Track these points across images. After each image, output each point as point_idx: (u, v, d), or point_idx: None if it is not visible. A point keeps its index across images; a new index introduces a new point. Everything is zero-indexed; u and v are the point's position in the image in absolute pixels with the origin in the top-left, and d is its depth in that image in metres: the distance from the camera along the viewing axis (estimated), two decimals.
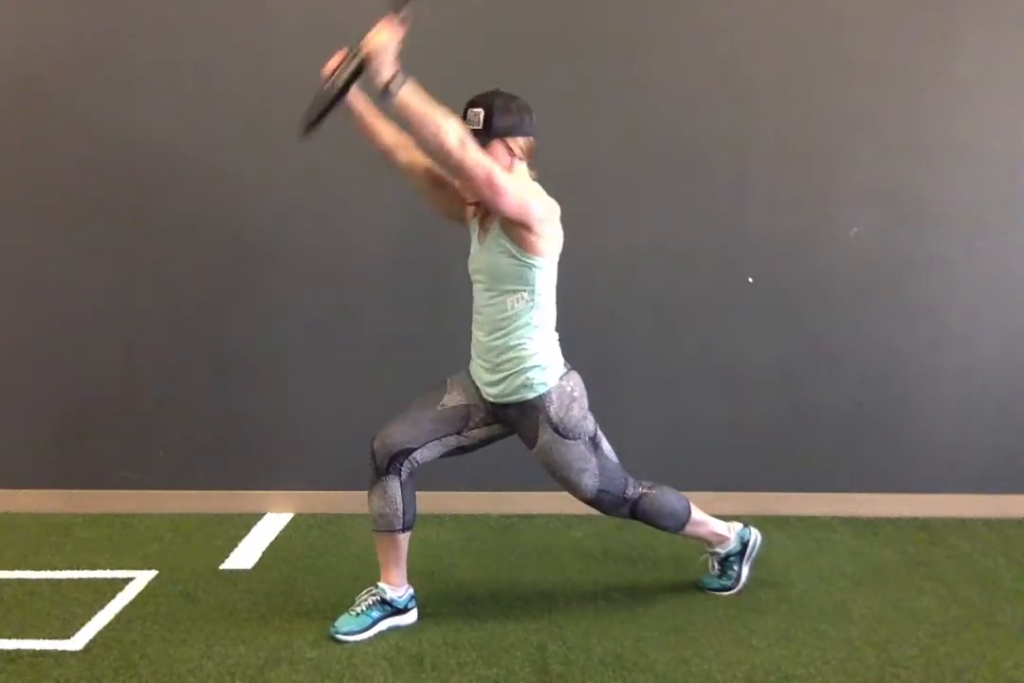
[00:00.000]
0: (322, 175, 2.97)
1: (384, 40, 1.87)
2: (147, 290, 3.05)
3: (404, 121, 1.94)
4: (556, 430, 2.19)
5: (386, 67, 1.87)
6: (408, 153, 2.23)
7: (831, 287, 3.01)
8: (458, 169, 1.96)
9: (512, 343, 2.16)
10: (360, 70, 1.86)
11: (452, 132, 1.90)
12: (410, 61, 2.90)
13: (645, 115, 2.93)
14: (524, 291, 2.13)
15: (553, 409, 2.18)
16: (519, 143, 2.11)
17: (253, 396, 3.11)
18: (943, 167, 2.94)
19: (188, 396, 3.11)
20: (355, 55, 1.89)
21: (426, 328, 3.00)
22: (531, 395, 2.18)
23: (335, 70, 2.01)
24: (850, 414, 3.07)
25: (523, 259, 2.09)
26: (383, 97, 1.89)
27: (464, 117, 2.10)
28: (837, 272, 3.00)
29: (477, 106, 2.10)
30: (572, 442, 2.21)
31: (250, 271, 3.04)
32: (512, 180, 2.02)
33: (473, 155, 1.94)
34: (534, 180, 2.18)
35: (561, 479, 2.26)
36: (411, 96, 1.89)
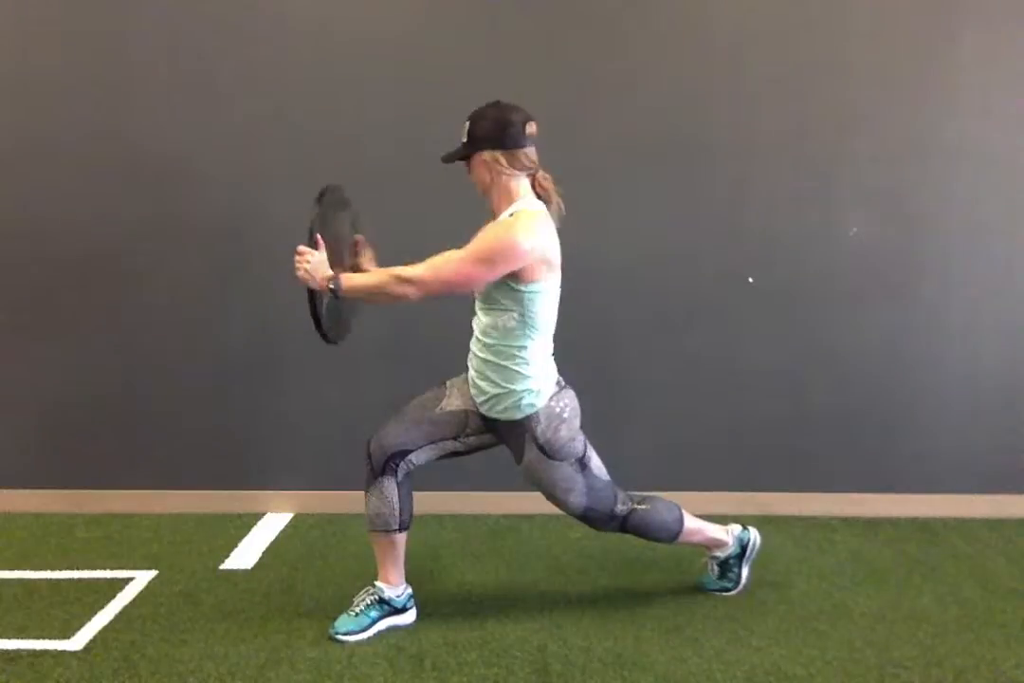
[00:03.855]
0: (323, 177, 2.96)
1: (303, 273, 2.08)
2: (148, 290, 3.06)
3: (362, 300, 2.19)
4: (542, 450, 2.19)
5: (320, 283, 2.07)
6: None
7: (831, 287, 3.01)
8: (436, 293, 2.06)
9: (502, 362, 2.14)
10: (312, 295, 2.10)
11: (397, 286, 2.05)
12: (410, 60, 2.92)
13: (644, 115, 2.93)
14: (514, 312, 2.10)
15: (540, 430, 2.17)
16: (496, 156, 2.08)
17: (253, 396, 3.11)
18: (943, 167, 2.94)
19: (188, 396, 3.11)
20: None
21: (426, 329, 3.00)
22: (518, 416, 2.18)
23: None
24: (850, 414, 3.08)
25: (510, 284, 2.07)
26: (336, 298, 2.10)
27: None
28: (837, 272, 3.00)
29: (468, 119, 2.13)
30: (558, 463, 2.20)
31: (250, 271, 3.04)
32: (460, 260, 2.03)
33: (425, 281, 2.04)
34: (524, 195, 2.12)
35: (547, 496, 2.28)
36: (352, 287, 2.08)
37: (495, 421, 2.23)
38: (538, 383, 2.16)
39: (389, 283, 2.06)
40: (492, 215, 2.18)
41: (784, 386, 3.07)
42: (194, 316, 3.07)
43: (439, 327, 2.88)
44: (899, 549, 2.84)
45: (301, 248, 2.08)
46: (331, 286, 2.06)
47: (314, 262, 2.07)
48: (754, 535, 2.50)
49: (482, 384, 2.20)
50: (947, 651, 2.19)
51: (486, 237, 2.05)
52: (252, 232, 3.01)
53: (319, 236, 2.10)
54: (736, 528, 2.50)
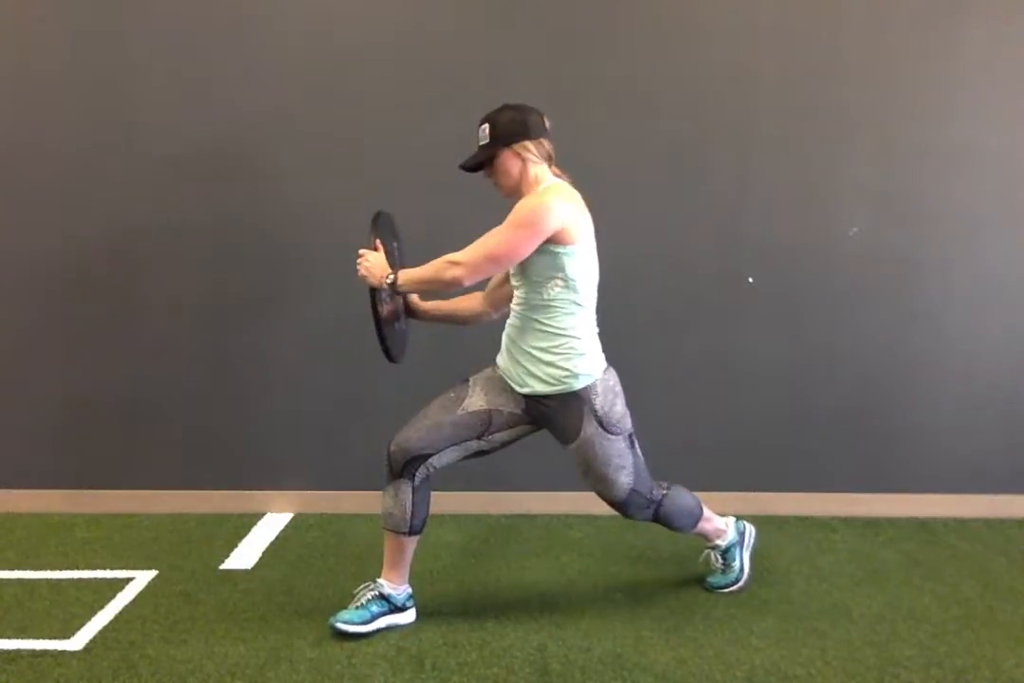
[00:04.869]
0: (325, 176, 2.97)
1: (365, 271, 2.18)
2: (148, 290, 3.05)
3: (424, 291, 2.27)
4: (600, 423, 2.19)
5: (380, 280, 2.16)
6: (488, 300, 2.40)
7: (831, 287, 3.01)
8: (484, 271, 2.12)
9: (555, 332, 2.16)
10: (373, 296, 2.17)
11: (447, 272, 2.10)
12: (411, 60, 2.92)
13: (644, 115, 2.93)
14: (557, 278, 2.13)
15: (599, 402, 2.19)
16: (528, 147, 2.14)
17: (253, 396, 3.11)
18: (943, 167, 2.94)
19: (188, 396, 3.11)
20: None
21: (427, 329, 2.99)
22: (577, 386, 2.18)
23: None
24: (850, 414, 3.08)
25: (550, 248, 2.10)
26: (396, 293, 2.20)
27: (478, 135, 2.19)
28: (837, 272, 3.00)
29: (483, 122, 2.18)
30: (614, 437, 2.21)
31: (251, 272, 3.04)
32: (502, 233, 2.09)
33: (471, 260, 2.09)
34: (549, 179, 2.19)
35: (597, 476, 2.24)
36: (407, 279, 2.15)
37: (546, 401, 2.21)
38: (588, 347, 2.20)
39: (440, 268, 2.11)
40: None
41: (784, 386, 3.07)
42: (194, 316, 3.07)
43: (440, 327, 2.88)
44: (899, 549, 2.84)
45: (361, 250, 2.19)
46: (388, 281, 2.14)
47: (373, 260, 2.17)
48: (749, 525, 2.57)
49: (532, 358, 2.19)
50: (947, 651, 2.19)
51: (520, 208, 2.10)
52: (256, 233, 3.01)
53: (377, 240, 2.22)
54: (731, 518, 2.56)
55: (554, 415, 2.23)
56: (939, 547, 2.85)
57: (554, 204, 2.08)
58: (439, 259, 2.13)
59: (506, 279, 2.31)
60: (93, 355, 3.09)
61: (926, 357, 3.04)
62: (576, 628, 2.30)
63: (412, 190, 2.91)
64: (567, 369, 2.17)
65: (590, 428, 2.19)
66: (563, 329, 2.17)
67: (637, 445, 2.29)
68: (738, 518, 2.57)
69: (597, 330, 2.26)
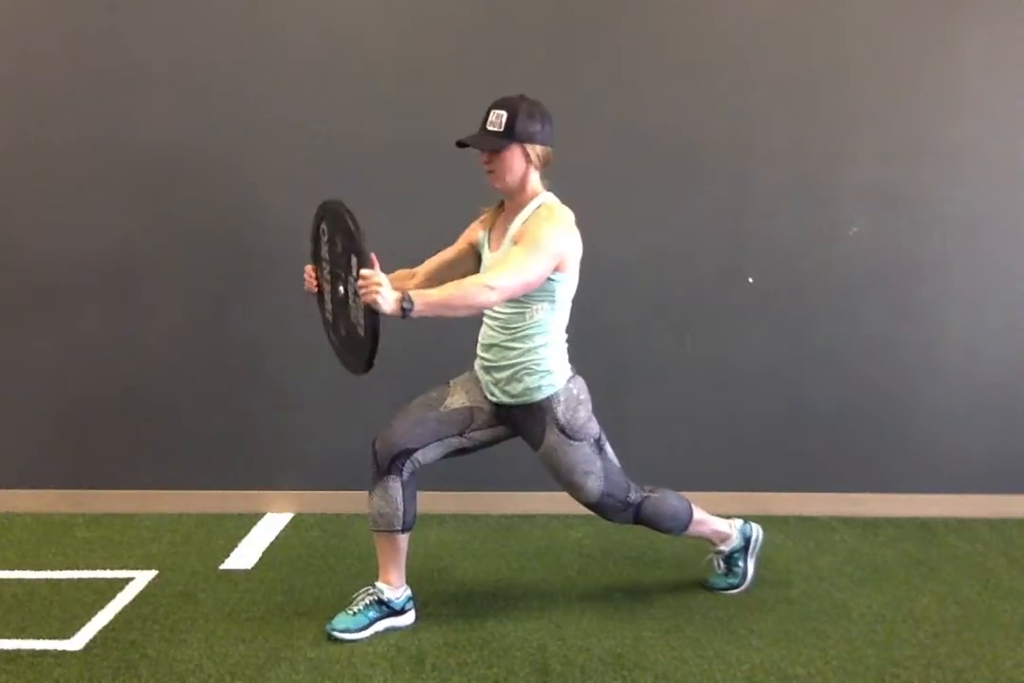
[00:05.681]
0: (326, 176, 2.97)
1: (377, 298, 1.84)
2: (148, 290, 3.05)
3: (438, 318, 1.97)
4: (563, 431, 2.20)
5: (394, 305, 1.86)
6: (430, 281, 2.27)
7: (831, 287, 3.01)
8: (513, 296, 2.03)
9: (526, 348, 2.17)
10: (376, 316, 1.90)
11: (481, 296, 1.93)
12: (410, 60, 2.92)
13: (644, 115, 2.93)
14: (545, 302, 2.13)
15: (560, 410, 2.20)
16: (537, 151, 2.11)
17: (253, 396, 3.11)
18: (943, 167, 2.94)
19: (189, 396, 3.11)
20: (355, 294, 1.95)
21: (426, 329, 2.99)
22: (539, 397, 2.19)
23: (319, 286, 2.25)
24: (850, 414, 3.08)
25: (549, 275, 2.08)
26: (405, 318, 1.89)
27: (485, 119, 2.11)
28: (837, 272, 3.00)
29: (500, 108, 2.09)
30: (578, 444, 2.21)
31: (252, 271, 3.04)
32: (533, 259, 2.00)
33: (508, 287, 1.97)
34: (548, 189, 2.18)
35: (565, 482, 2.26)
36: (424, 304, 1.89)
37: (511, 410, 2.24)
38: (555, 364, 2.20)
39: (473, 291, 1.93)
40: (503, 205, 2.22)
41: (784, 386, 3.07)
42: (194, 316, 3.06)
43: (439, 327, 2.88)
44: (899, 549, 2.84)
45: (366, 272, 1.85)
46: (404, 306, 1.86)
47: (384, 282, 1.85)
48: (756, 529, 2.53)
49: (499, 369, 2.21)
50: (947, 651, 2.19)
51: (547, 233, 2.04)
52: (254, 233, 3.01)
53: (372, 254, 1.89)
54: (738, 522, 2.52)
55: (520, 423, 2.25)
56: (939, 547, 2.85)
57: (571, 233, 2.10)
58: (467, 281, 1.97)
59: (451, 264, 2.30)
60: (93, 355, 3.09)
61: (926, 357, 3.04)
62: (576, 628, 2.30)
63: (412, 190, 2.91)
64: (529, 384, 2.18)
65: (552, 436, 2.20)
66: (534, 348, 2.17)
67: (607, 449, 2.28)
68: (746, 520, 2.55)
69: (566, 337, 2.25)
